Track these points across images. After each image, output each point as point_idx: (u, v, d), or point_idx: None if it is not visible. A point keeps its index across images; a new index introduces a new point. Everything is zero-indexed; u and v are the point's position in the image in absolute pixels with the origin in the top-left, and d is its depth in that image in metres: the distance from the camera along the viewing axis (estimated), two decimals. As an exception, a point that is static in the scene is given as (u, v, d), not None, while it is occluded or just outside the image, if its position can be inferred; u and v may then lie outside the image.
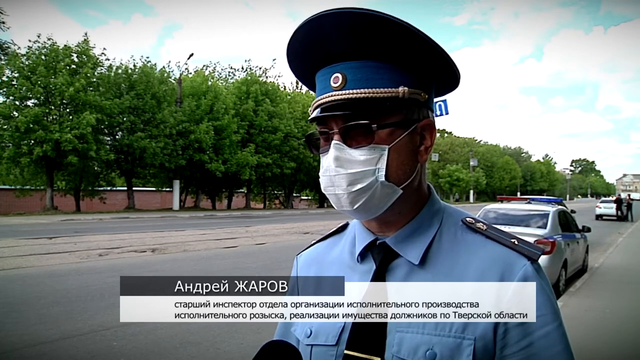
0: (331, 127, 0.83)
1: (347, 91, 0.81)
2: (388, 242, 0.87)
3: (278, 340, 0.87)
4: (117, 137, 28.07)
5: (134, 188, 30.29)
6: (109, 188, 31.83)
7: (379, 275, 0.86)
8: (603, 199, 37.85)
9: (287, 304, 1.04)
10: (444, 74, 0.89)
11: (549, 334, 0.77)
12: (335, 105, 0.82)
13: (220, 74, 39.08)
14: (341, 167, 0.81)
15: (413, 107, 0.84)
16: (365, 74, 0.81)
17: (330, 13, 0.78)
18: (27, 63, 23.70)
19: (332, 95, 0.82)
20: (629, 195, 36.51)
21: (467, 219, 0.89)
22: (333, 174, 0.81)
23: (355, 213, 0.84)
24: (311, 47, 0.84)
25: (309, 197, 52.65)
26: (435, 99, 0.95)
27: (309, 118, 0.88)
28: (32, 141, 23.05)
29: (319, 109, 0.84)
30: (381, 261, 0.87)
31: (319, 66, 0.86)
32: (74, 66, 24.62)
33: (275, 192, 44.48)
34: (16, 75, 23.44)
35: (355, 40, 0.80)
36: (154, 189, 36.26)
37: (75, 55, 25.04)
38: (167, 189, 34.67)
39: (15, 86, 23.17)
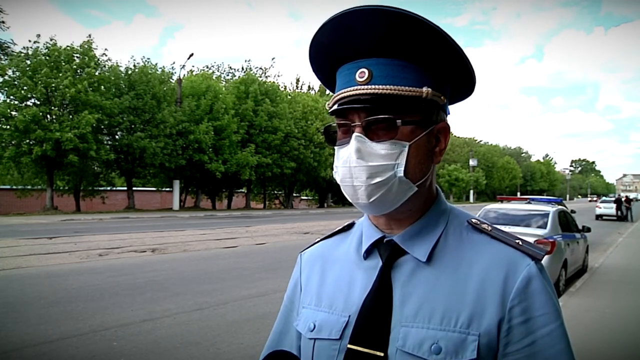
0: (352, 120, 0.84)
1: (373, 86, 0.81)
2: (395, 240, 0.88)
3: (279, 351, 0.89)
4: (117, 137, 28.09)
5: (134, 188, 30.29)
6: (109, 188, 31.88)
7: (385, 271, 0.87)
8: (603, 198, 37.88)
9: (288, 301, 1.04)
10: (461, 80, 0.90)
11: (551, 332, 0.78)
12: (358, 99, 0.82)
13: (221, 75, 39.10)
14: (362, 159, 0.81)
15: (433, 108, 0.86)
16: (391, 72, 0.82)
17: (361, 10, 0.78)
18: (29, 63, 23.73)
19: (357, 89, 0.82)
20: (627, 196, 36.51)
21: (473, 220, 0.90)
22: (354, 165, 0.82)
23: (370, 207, 0.85)
24: (336, 43, 0.85)
25: (309, 197, 52.68)
26: None
27: (330, 110, 0.88)
28: (32, 141, 23.08)
29: (340, 102, 0.85)
30: (387, 258, 0.88)
31: (341, 62, 0.87)
32: (74, 67, 24.65)
33: (275, 192, 44.48)
34: (17, 74, 23.47)
35: (382, 38, 0.81)
36: (154, 189, 36.28)
37: (76, 56, 25.07)
38: (167, 189, 34.68)
39: (17, 86, 23.19)
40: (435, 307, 0.81)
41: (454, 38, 0.81)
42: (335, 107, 0.86)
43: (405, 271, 0.86)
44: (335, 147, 0.88)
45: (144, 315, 5.81)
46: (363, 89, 0.82)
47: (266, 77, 38.73)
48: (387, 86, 0.81)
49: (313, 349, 0.90)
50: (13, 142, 23.40)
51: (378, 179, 0.81)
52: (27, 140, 23.30)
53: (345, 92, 0.84)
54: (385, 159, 0.81)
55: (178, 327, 5.42)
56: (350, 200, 0.86)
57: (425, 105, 0.84)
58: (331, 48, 0.86)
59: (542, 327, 0.78)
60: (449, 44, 0.81)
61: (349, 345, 0.84)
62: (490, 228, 0.88)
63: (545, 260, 0.86)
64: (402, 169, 0.82)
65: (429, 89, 0.82)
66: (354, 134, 0.82)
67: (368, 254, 0.91)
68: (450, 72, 0.87)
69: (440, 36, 0.80)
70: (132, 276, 8.14)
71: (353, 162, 0.82)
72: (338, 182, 0.86)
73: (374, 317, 0.84)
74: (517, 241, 0.85)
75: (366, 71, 0.82)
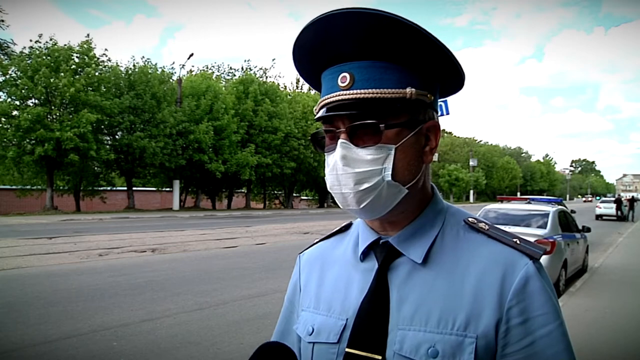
0: (338, 126, 0.83)
1: (355, 91, 0.80)
2: (391, 242, 0.87)
3: (273, 342, 0.88)
4: (117, 137, 28.11)
5: (134, 188, 30.31)
6: (109, 188, 31.88)
7: (382, 274, 0.86)
8: (602, 198, 38.09)
9: (288, 302, 1.04)
10: (449, 76, 0.89)
11: (550, 332, 0.77)
12: (342, 105, 0.81)
13: (221, 75, 39.11)
14: (348, 166, 0.81)
15: (419, 108, 0.84)
16: (373, 74, 0.81)
17: (340, 13, 0.77)
18: (29, 62, 23.77)
19: (339, 95, 0.82)
20: (633, 196, 36.62)
21: (470, 219, 0.89)
22: (340, 172, 0.81)
23: (362, 212, 0.84)
24: (319, 46, 0.83)
25: (309, 197, 52.68)
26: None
27: (315, 117, 0.87)
28: (34, 140, 23.10)
29: (325, 108, 0.84)
30: (384, 260, 0.87)
31: (325, 65, 0.86)
32: (74, 66, 24.66)
33: (275, 192, 44.48)
34: (18, 74, 23.50)
35: (363, 41, 0.80)
36: (154, 189, 36.30)
37: (76, 56, 25.09)
38: (167, 189, 34.68)
39: (18, 86, 23.21)
40: (432, 309, 0.80)
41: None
42: (320, 113, 0.85)
43: (402, 273, 0.85)
44: (325, 154, 0.87)
45: (144, 315, 5.81)
46: (345, 95, 0.81)
47: (266, 77, 38.75)
48: (369, 90, 0.80)
49: (312, 352, 0.90)
50: (14, 142, 23.42)
51: (366, 185, 0.80)
52: (29, 140, 23.33)
53: (328, 99, 0.83)
54: (371, 164, 0.80)
55: (178, 327, 5.42)
56: (342, 207, 0.85)
57: (411, 106, 0.83)
58: (314, 52, 0.85)
59: (541, 327, 0.77)
60: (430, 41, 0.80)
61: (347, 349, 0.84)
62: (487, 227, 0.87)
63: (545, 260, 0.84)
64: (390, 172, 0.81)
65: (413, 89, 0.81)
66: (339, 141, 0.81)
67: (364, 255, 0.91)
68: (436, 69, 0.85)
69: (420, 34, 0.79)
70: (132, 276, 8.14)
71: (339, 170, 0.81)
72: (328, 189, 0.85)
73: (371, 320, 0.84)
74: (514, 240, 0.84)
75: (348, 76, 0.81)
